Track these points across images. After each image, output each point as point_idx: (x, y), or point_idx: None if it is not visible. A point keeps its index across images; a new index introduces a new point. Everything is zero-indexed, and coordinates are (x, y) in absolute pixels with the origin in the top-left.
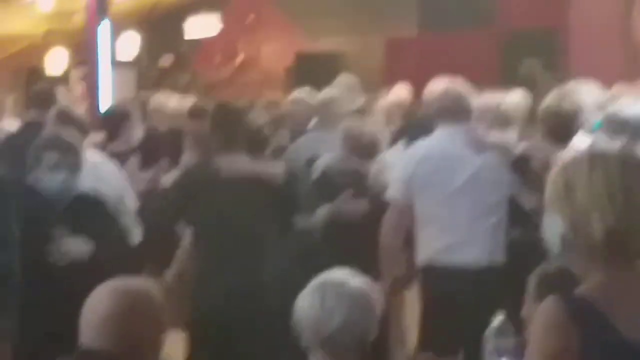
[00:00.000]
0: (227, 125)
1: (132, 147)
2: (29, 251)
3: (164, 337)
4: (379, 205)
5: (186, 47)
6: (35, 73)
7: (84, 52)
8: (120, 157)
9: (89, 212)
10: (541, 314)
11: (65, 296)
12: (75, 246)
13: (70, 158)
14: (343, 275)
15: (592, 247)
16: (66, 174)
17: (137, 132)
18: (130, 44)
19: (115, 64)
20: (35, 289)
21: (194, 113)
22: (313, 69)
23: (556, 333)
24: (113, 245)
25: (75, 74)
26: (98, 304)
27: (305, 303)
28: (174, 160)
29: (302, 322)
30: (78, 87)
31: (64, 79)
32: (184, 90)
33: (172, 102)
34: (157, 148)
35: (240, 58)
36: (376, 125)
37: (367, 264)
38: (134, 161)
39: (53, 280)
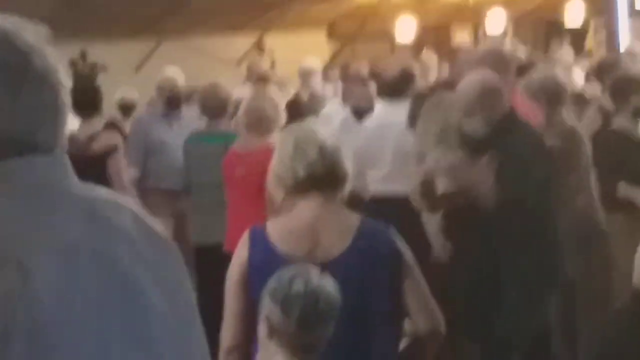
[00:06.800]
0: None
1: None
2: None
3: None
4: None
5: None
6: (554, 25)
7: (602, 2)
8: None
9: None
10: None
11: None
12: None
13: None
14: None
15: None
16: None
17: None
18: None
19: (633, 12)
20: None
21: None
22: None
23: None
24: None
25: (594, 23)
26: None
27: None
28: None
29: None
30: (598, 36)
31: (582, 30)
32: None
33: None
34: None
35: None
36: None
37: None
38: None
39: None
